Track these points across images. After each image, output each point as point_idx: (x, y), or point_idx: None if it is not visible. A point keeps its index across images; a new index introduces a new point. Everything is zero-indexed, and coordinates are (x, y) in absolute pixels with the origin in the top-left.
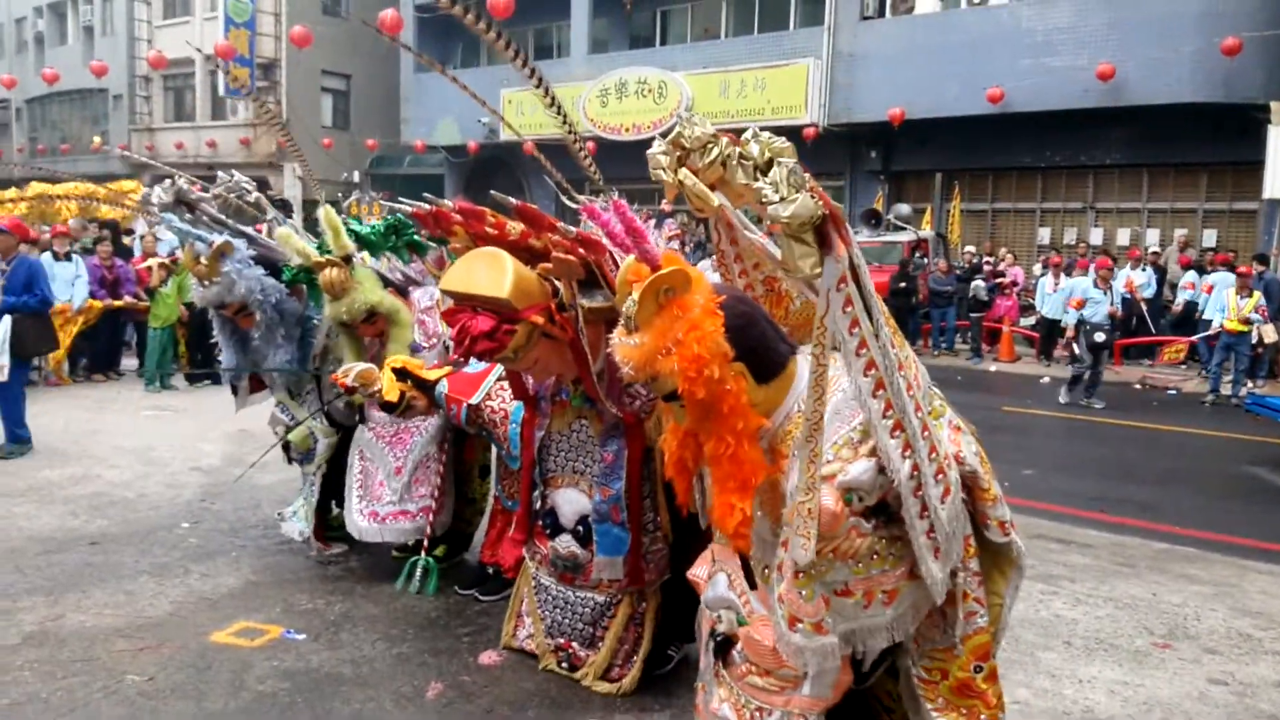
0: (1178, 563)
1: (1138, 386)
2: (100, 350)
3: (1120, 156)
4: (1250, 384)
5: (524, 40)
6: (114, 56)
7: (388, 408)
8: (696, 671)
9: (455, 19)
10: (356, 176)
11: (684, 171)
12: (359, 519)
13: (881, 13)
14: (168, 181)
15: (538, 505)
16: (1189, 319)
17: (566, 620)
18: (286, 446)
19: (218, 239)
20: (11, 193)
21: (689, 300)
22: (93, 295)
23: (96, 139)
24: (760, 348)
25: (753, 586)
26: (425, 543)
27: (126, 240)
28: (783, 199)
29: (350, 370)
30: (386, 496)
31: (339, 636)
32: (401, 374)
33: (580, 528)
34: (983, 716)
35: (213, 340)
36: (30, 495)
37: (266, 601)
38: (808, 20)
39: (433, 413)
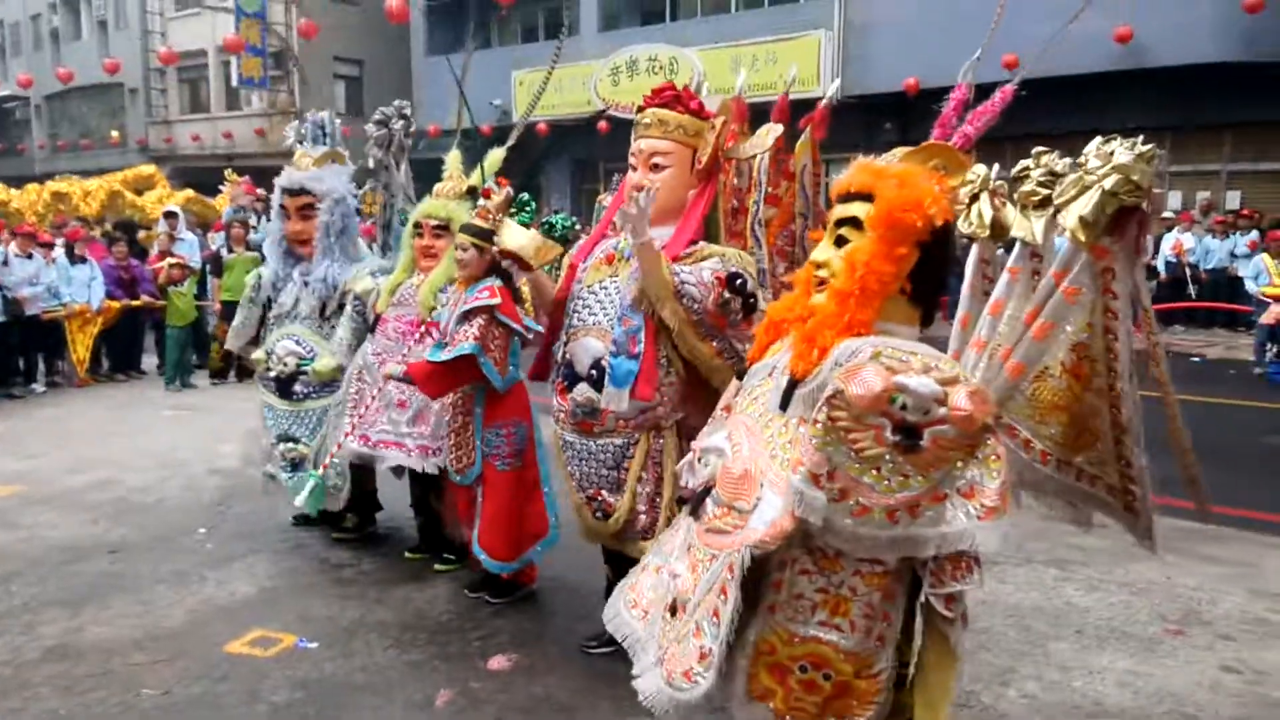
0: (1195, 542)
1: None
2: (120, 350)
3: (1142, 119)
4: (1275, 348)
5: (534, 19)
6: (128, 50)
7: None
8: None
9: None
10: (371, 163)
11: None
12: (349, 441)
13: None
14: (388, 113)
15: (559, 357)
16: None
17: (591, 469)
18: (291, 380)
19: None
20: (32, 188)
21: (947, 183)
22: (110, 295)
23: (115, 133)
24: (939, 277)
25: None
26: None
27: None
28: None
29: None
30: (380, 423)
31: (352, 644)
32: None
33: (594, 372)
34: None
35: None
36: (54, 503)
37: (281, 609)
38: None
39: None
